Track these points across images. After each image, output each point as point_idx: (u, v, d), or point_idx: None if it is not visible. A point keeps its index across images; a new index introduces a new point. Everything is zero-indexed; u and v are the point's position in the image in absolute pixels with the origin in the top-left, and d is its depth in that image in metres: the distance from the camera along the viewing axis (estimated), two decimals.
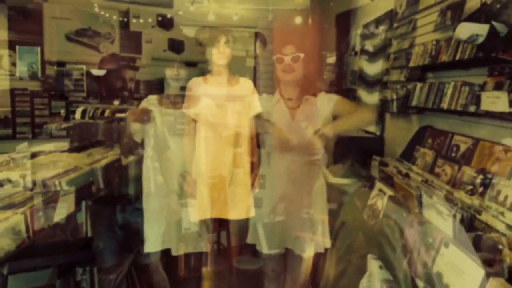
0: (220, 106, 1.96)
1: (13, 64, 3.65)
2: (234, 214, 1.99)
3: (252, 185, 2.02)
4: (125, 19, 3.84)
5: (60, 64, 3.68)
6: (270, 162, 2.04)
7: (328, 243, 2.07)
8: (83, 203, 2.27)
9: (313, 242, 2.00)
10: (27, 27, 3.63)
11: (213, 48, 1.91)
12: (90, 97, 3.51)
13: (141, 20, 3.85)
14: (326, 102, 2.00)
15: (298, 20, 4.33)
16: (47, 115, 3.63)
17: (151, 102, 2.11)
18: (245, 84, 2.04)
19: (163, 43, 3.70)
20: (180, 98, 2.09)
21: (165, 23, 3.82)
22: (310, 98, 2.01)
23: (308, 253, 2.01)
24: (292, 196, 1.99)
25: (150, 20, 3.85)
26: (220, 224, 2.29)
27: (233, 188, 1.96)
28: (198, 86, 1.98)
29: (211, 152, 1.94)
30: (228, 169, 1.94)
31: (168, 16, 3.91)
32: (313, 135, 1.87)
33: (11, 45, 3.63)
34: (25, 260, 1.83)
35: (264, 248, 2.04)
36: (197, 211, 1.96)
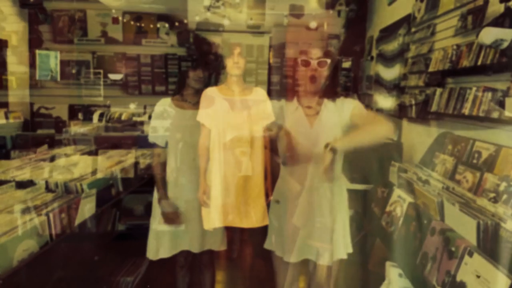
0: (234, 116, 1.96)
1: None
2: (248, 222, 1.97)
3: (266, 194, 2.00)
4: None
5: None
6: (288, 171, 2.00)
7: (349, 249, 2.03)
8: None
9: (333, 251, 1.95)
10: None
11: (228, 58, 1.93)
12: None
13: None
14: (344, 109, 1.94)
15: (314, 24, 4.35)
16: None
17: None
18: (259, 93, 2.05)
19: None
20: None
21: None
22: (328, 104, 1.95)
23: (329, 262, 1.96)
24: (311, 207, 1.95)
25: None
26: (234, 233, 2.26)
27: (246, 196, 1.95)
28: (212, 95, 1.99)
29: (224, 161, 1.93)
30: (241, 178, 1.93)
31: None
32: (324, 149, 1.70)
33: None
34: None
35: (283, 255, 2.01)
36: (211, 219, 1.95)
